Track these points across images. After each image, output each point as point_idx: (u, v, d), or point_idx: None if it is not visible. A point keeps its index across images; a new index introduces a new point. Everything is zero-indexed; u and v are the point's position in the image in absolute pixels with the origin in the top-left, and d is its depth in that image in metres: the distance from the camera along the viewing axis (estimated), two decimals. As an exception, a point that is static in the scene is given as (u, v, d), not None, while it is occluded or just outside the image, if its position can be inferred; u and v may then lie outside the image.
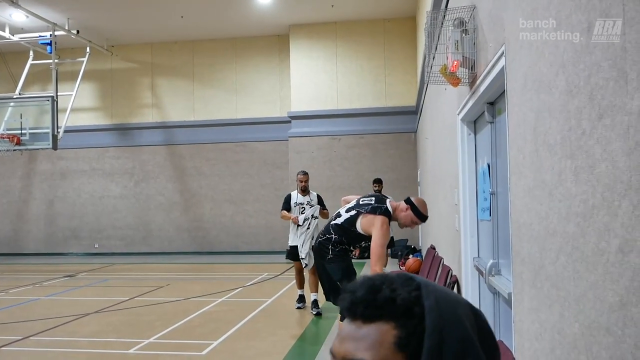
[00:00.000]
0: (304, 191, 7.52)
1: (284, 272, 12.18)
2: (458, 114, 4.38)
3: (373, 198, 4.70)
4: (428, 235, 9.95)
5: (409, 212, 4.49)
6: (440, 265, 6.24)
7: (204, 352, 5.94)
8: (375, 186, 11.77)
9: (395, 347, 0.77)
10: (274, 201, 16.14)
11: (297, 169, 15.34)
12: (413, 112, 14.49)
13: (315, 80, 15.34)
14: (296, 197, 7.59)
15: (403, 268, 11.05)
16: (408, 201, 4.52)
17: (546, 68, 1.78)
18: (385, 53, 15.22)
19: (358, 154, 14.98)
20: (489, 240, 3.69)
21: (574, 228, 1.54)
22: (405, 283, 0.81)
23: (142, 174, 16.95)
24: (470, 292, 4.26)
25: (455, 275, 4.89)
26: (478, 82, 3.26)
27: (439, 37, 4.08)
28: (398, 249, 13.01)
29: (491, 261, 3.42)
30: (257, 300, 8.82)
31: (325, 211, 7.61)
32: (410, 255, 11.95)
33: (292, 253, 7.57)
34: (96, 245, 17.04)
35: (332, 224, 4.77)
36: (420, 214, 4.48)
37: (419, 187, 13.73)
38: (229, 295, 9.47)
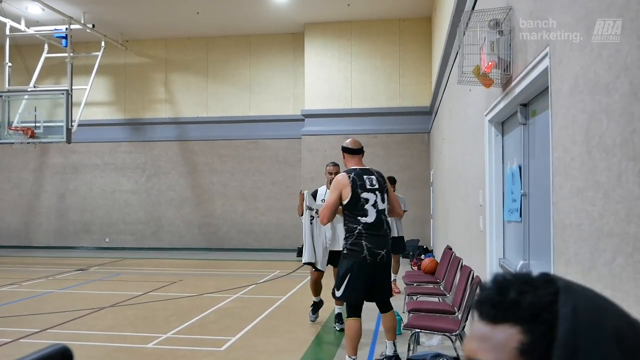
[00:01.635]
0: None
1: (296, 269, 12.21)
2: (486, 115, 4.40)
3: (370, 173, 4.84)
4: (442, 236, 9.95)
5: (346, 155, 4.97)
6: (460, 266, 6.25)
7: (222, 348, 5.99)
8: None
9: (517, 353, 0.72)
10: (285, 199, 16.20)
11: (310, 167, 15.56)
12: (427, 113, 14.49)
13: (329, 79, 15.37)
14: (325, 193, 6.56)
15: (414, 268, 11.06)
16: (343, 149, 5.00)
17: (604, 70, 1.80)
18: (400, 53, 15.23)
19: (371, 154, 14.95)
20: (518, 241, 3.70)
21: (635, 229, 1.56)
22: (540, 285, 0.75)
23: (154, 169, 17.04)
24: (496, 293, 4.28)
25: (478, 276, 4.90)
26: (513, 83, 3.28)
27: (461, 36, 4.08)
28: (410, 249, 13.02)
29: (521, 262, 3.44)
30: (271, 298, 8.87)
31: None
32: (422, 256, 11.97)
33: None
34: (107, 240, 17.15)
35: (387, 220, 4.82)
36: (347, 149, 4.95)
37: (431, 188, 13.74)
38: (242, 291, 9.53)
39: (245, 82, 16.60)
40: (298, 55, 16.20)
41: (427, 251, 12.68)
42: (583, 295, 0.72)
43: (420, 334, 5.23)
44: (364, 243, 4.64)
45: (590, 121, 1.94)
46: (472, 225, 5.34)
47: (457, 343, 4.87)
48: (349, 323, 4.80)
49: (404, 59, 15.20)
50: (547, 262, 2.92)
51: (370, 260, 4.65)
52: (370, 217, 4.65)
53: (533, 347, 0.71)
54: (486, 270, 4.44)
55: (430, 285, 7.40)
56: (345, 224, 4.76)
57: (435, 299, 6.61)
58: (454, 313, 5.37)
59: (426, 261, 8.35)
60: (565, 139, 2.26)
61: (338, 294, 4.85)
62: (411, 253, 12.81)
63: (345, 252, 4.79)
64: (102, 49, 15.15)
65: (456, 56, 7.21)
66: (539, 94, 3.14)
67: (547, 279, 0.75)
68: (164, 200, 16.94)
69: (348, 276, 4.74)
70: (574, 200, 2.14)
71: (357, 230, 4.64)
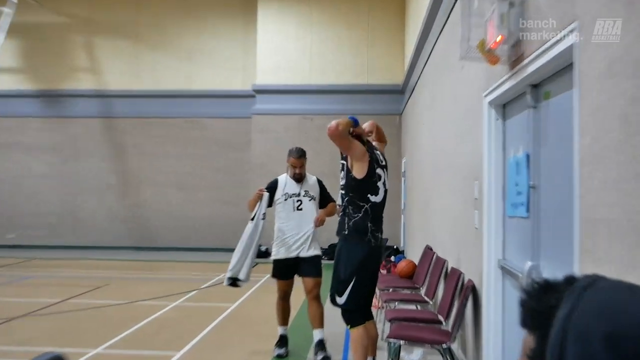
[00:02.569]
0: (299, 179, 6.19)
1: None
2: (485, 96, 4.54)
3: (375, 148, 4.97)
4: (418, 234, 10.17)
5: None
6: (446, 269, 6.42)
7: (168, 364, 5.98)
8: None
9: (526, 358, 0.86)
10: (230, 189, 16.17)
11: (260, 151, 15.54)
12: (399, 92, 14.71)
13: (285, 50, 15.41)
14: (285, 184, 6.16)
15: (384, 272, 11.25)
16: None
17: (651, 51, 1.92)
18: (369, 21, 15.38)
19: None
20: (524, 240, 3.86)
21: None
22: (557, 289, 0.84)
23: (72, 151, 16.70)
24: (494, 297, 4.44)
25: (470, 280, 5.06)
26: (525, 61, 3.41)
27: (470, 6, 4.20)
28: (377, 250, 13.22)
29: (530, 263, 3.59)
30: (218, 306, 8.87)
31: (332, 204, 6.29)
32: (392, 257, 12.18)
33: (281, 267, 6.13)
34: (12, 236, 16.69)
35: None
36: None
37: (403, 178, 13.98)
38: (182, 299, 9.49)
39: (185, 50, 16.43)
40: (249, 20, 16.14)
41: (398, 252, 12.93)
42: (595, 297, 0.79)
43: (400, 347, 5.36)
44: (368, 224, 4.67)
45: (630, 106, 2.07)
46: (463, 221, 5.50)
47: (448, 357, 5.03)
48: (357, 333, 4.75)
49: (374, 29, 15.36)
50: (563, 263, 3.07)
51: (374, 244, 4.70)
52: (379, 197, 4.78)
53: (534, 352, 0.83)
54: (482, 273, 4.59)
55: (408, 291, 7.57)
56: (349, 203, 4.70)
57: (413, 307, 6.78)
58: (441, 322, 5.53)
59: (402, 263, 8.51)
60: (596, 125, 2.39)
61: (341, 300, 4.71)
62: (378, 254, 13.02)
63: (346, 233, 4.70)
64: (13, 4, 14.66)
65: (441, 30, 7.38)
66: (554, 74, 3.27)
67: (568, 282, 0.84)
68: (84, 189, 16.66)
69: (356, 274, 4.67)
70: (606, 192, 2.27)
71: (363, 209, 4.66)
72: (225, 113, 16.26)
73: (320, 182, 6.36)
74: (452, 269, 5.94)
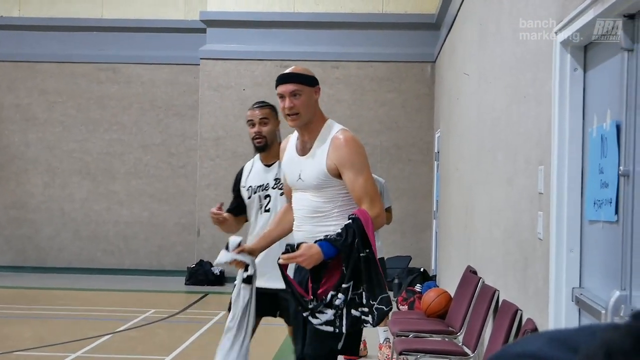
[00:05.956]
0: (265, 152, 5.62)
1: (187, 307, 12.24)
2: (557, 33, 4.56)
3: None
4: (456, 251, 10.20)
5: None
6: (496, 302, 6.46)
7: None
8: None
9: None
10: (167, 177, 16.20)
11: (214, 118, 15.49)
12: (432, 27, 14.69)
13: (254, -43, 15.42)
14: (250, 171, 5.74)
15: (404, 307, 11.26)
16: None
17: None
18: None
19: (329, 96, 15.00)
20: (610, 257, 3.90)
21: None
22: None
23: None
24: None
25: (531, 320, 5.09)
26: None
27: None
28: (394, 274, 13.23)
29: (617, 293, 3.62)
30: (142, 359, 8.91)
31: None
32: (418, 286, 12.19)
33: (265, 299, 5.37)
34: None
35: None
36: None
37: (435, 162, 14.00)
38: (88, 347, 9.48)
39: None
40: None
41: (427, 278, 12.94)
42: None
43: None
44: None
45: None
46: (521, 229, 5.56)
47: None
48: None
49: None
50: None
51: None
52: None
53: None
54: (548, 308, 4.63)
55: (438, 338, 7.60)
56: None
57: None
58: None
59: (430, 294, 8.53)
60: None
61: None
62: (396, 281, 13.00)
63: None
64: None
65: None
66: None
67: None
68: None
69: None
70: None
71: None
72: (159, 57, 16.23)
73: None
74: (505, 302, 5.99)
